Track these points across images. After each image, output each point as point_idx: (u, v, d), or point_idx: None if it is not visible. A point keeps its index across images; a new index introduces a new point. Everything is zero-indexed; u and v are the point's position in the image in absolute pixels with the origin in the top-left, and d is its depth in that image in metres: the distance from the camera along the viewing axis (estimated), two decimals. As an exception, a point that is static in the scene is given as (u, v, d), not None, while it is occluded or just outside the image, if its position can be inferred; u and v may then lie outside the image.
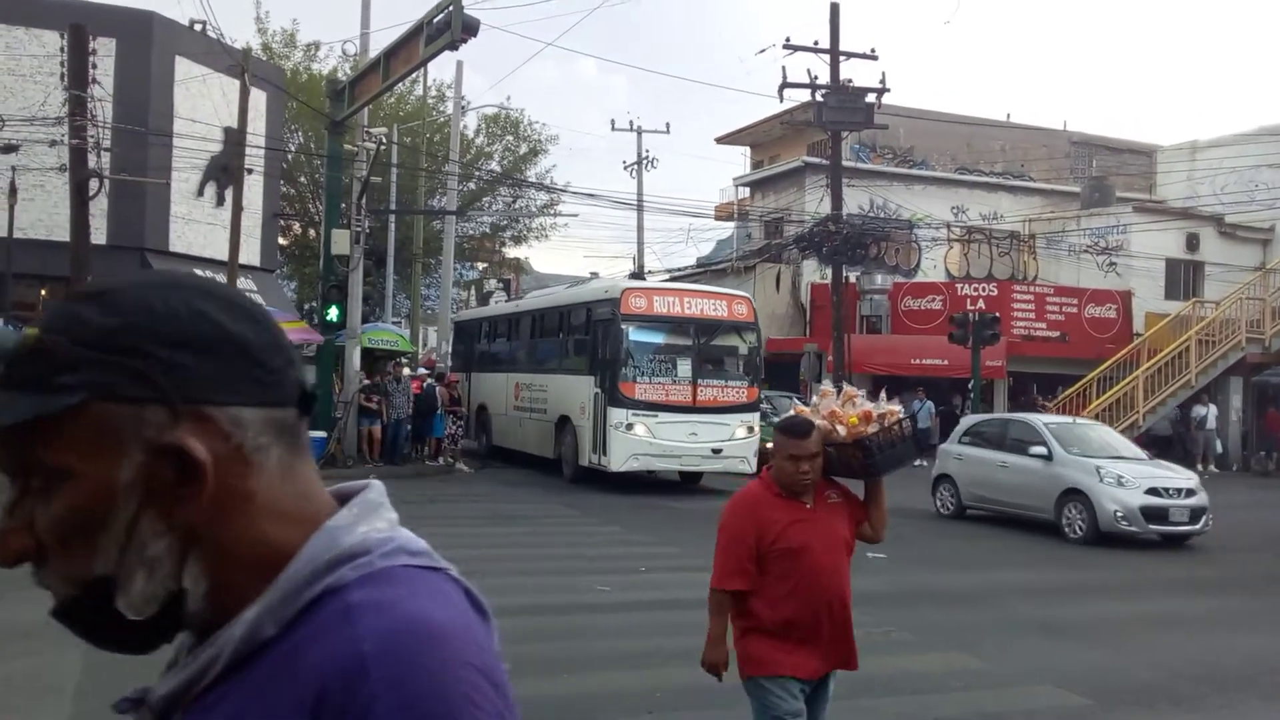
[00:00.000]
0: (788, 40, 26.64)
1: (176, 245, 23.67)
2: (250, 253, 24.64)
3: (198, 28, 21.94)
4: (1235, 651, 8.43)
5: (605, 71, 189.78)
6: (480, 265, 54.18)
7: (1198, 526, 14.02)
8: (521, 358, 22.69)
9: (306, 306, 38.31)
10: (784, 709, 3.86)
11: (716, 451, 17.90)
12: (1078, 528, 14.15)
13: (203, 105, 23.18)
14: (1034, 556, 13.28)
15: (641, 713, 6.26)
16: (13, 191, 21.13)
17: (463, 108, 36.23)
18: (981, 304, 28.28)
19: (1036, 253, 34.13)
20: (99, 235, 19.89)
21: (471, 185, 42.14)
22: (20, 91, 21.89)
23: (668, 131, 48.27)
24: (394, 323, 37.04)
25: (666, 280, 28.99)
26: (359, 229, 21.26)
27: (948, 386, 27.88)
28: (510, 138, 44.69)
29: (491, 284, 56.02)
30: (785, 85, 26.77)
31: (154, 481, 0.94)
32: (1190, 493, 14.19)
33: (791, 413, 4.46)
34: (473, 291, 56.92)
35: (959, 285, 31.01)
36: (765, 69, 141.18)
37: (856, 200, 31.71)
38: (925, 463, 16.87)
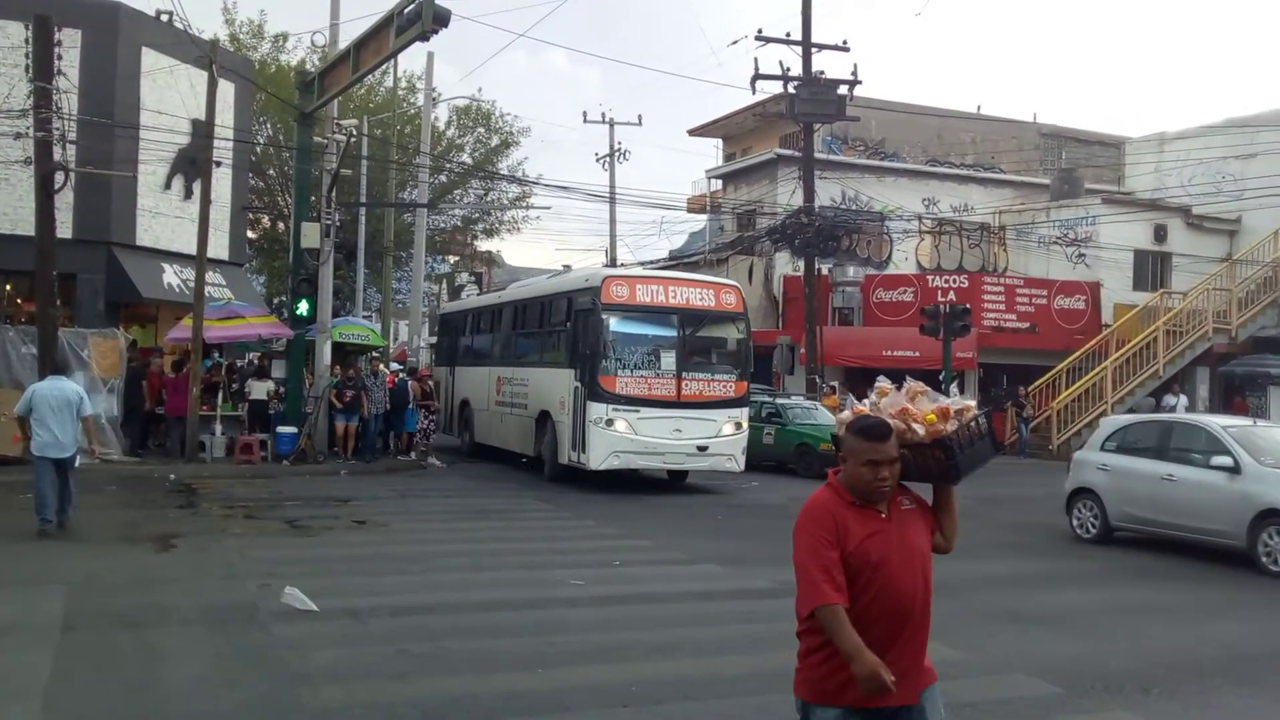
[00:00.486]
0: (760, 32, 26.65)
1: (143, 239, 23.40)
2: (219, 246, 24.39)
3: (164, 19, 21.67)
4: (1210, 640, 8.51)
5: (577, 63, 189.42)
6: (452, 258, 53.99)
7: None
8: (503, 351, 21.98)
9: (276, 301, 38.04)
10: None
11: (702, 449, 17.07)
12: None
13: (170, 97, 22.91)
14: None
15: (617, 706, 6.25)
16: (-24, 184, 20.82)
17: (434, 99, 36.02)
18: (952, 296, 28.44)
19: (1006, 244, 34.37)
20: (64, 229, 19.61)
21: (443, 178, 41.96)
22: (-16, 83, 21.55)
23: (640, 124, 48.18)
24: (365, 317, 36.85)
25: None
26: (329, 222, 21.07)
27: (919, 378, 27.96)
28: (482, 130, 44.52)
29: (463, 277, 55.82)
30: (757, 77, 26.81)
31: None
32: None
33: (847, 413, 3.91)
34: (444, 285, 56.71)
35: (930, 277, 31.16)
36: (737, 61, 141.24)
37: (828, 192, 31.81)
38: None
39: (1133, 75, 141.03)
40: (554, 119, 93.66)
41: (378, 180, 37.86)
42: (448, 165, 41.19)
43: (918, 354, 27.26)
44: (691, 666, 7.12)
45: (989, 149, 38.69)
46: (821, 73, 27.23)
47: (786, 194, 31.16)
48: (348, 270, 37.65)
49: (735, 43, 54.98)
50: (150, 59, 22.93)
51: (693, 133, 44.53)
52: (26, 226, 18.77)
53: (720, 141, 44.05)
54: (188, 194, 24.04)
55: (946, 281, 30.32)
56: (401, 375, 23.09)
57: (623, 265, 34.38)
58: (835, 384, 27.40)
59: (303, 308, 20.48)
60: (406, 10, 16.69)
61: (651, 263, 37.83)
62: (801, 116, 27.33)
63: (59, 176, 17.22)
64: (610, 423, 16.62)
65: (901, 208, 33.62)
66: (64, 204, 18.99)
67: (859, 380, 28.69)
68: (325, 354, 21.08)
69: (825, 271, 29.49)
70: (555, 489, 17.35)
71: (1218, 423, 13.12)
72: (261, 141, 37.48)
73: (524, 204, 43.60)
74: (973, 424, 3.87)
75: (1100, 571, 11.73)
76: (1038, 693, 6.89)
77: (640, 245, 64.84)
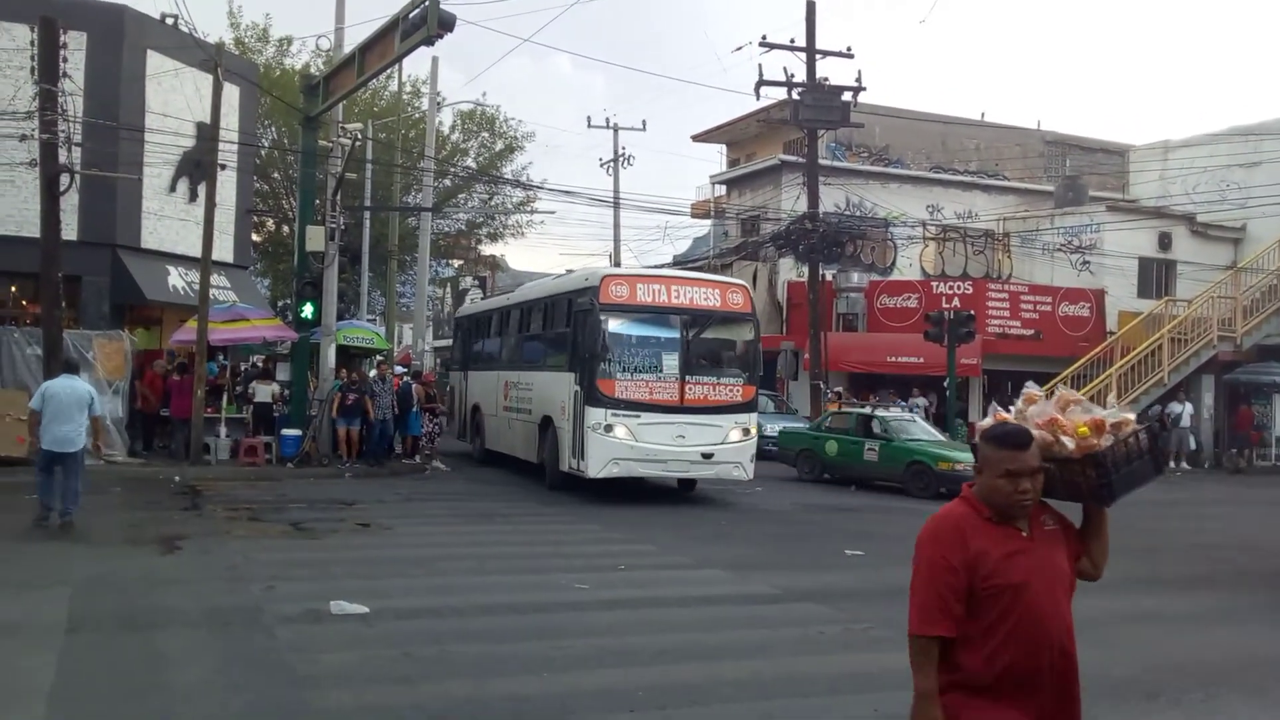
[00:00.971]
0: (764, 38, 26.64)
1: (148, 241, 23.44)
2: (223, 249, 24.43)
3: (170, 22, 21.70)
4: (1215, 646, 8.49)
5: (581, 68, 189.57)
6: (456, 262, 54.03)
7: None
8: (510, 354, 21.31)
9: (281, 304, 38.08)
10: None
11: (707, 456, 16.21)
12: None
13: (175, 100, 22.96)
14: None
15: (623, 710, 6.23)
16: (-18, 187, 20.87)
17: (438, 104, 36.07)
18: (956, 302, 28.41)
19: (1011, 251, 34.37)
20: (70, 231, 19.64)
21: (447, 182, 41.98)
22: (-11, 85, 21.59)
23: (644, 129, 48.29)
24: (369, 320, 36.86)
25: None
26: (334, 225, 21.09)
27: (923, 385, 27.96)
28: (486, 134, 44.57)
29: (467, 281, 55.88)
30: (762, 83, 26.81)
31: None
32: None
33: (988, 419, 3.56)
34: (448, 289, 56.76)
35: (934, 283, 31.14)
36: (742, 67, 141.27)
37: (832, 198, 31.81)
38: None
39: (1137, 83, 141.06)
40: (558, 124, 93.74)
41: (382, 184, 37.88)
42: (452, 169, 41.23)
43: (922, 360, 27.27)
44: (696, 671, 7.10)
45: (993, 156, 38.68)
46: (826, 79, 27.25)
47: (790, 200, 31.17)
48: (352, 274, 37.72)
49: (740, 49, 55.09)
50: (155, 62, 22.98)
51: (697, 138, 44.57)
52: (32, 228, 18.79)
53: (724, 147, 44.07)
54: (193, 197, 24.07)
55: (951, 288, 30.30)
56: (406, 379, 23.08)
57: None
58: (839, 390, 27.39)
59: (307, 311, 20.47)
60: (411, 15, 16.74)
61: (655, 268, 37.81)
62: (806, 123, 27.35)
63: (64, 179, 17.24)
64: (609, 428, 15.83)
65: (905, 214, 33.61)
66: (69, 206, 19.02)
67: (863, 386, 28.71)
68: (330, 357, 21.09)
69: (829, 277, 29.47)
70: (557, 496, 16.93)
71: None
72: (266, 145, 37.54)
73: (528, 208, 43.65)
74: (1131, 440, 3.49)
75: (1103, 578, 11.69)
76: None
77: (644, 250, 65.04)
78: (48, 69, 17.05)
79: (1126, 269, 31.58)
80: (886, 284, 31.66)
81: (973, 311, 25.95)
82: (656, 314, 16.43)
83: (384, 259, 39.22)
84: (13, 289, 22.90)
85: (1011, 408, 3.65)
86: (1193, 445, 28.25)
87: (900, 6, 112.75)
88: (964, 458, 17.88)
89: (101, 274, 22.22)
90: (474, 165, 43.68)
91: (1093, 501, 3.48)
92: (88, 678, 6.54)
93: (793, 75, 26.88)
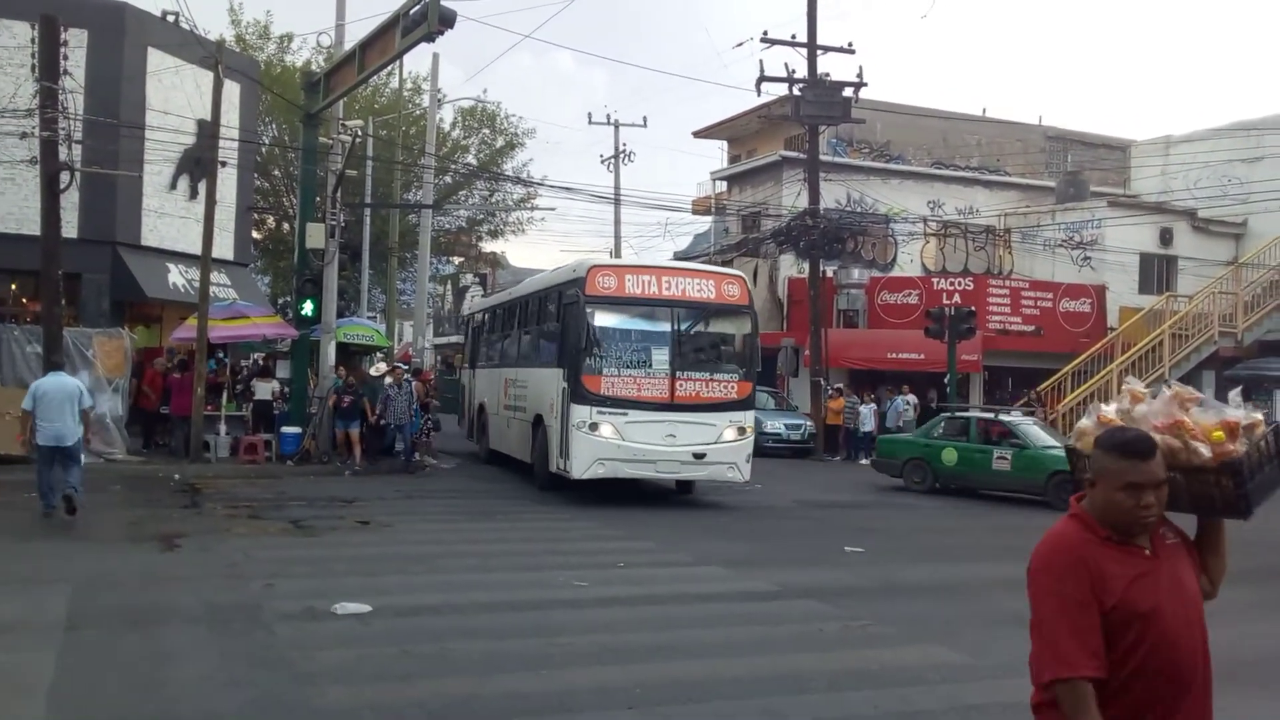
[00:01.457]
0: (765, 34, 26.66)
1: (149, 239, 23.44)
2: (224, 246, 24.43)
3: (170, 19, 21.72)
4: (1217, 644, 8.45)
5: (582, 65, 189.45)
6: (456, 259, 54.06)
7: None
8: (510, 351, 20.58)
9: (281, 301, 38.10)
10: None
11: (699, 456, 15.42)
12: None
13: (175, 97, 22.96)
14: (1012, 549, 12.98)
15: (621, 708, 6.23)
16: (-18, 184, 20.87)
17: (439, 100, 36.06)
18: (957, 298, 28.41)
19: (1012, 247, 34.33)
20: (70, 229, 19.65)
21: (448, 179, 41.99)
22: (-10, 83, 21.60)
23: (645, 125, 48.33)
24: (369, 317, 36.88)
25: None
26: (334, 223, 21.08)
27: (924, 381, 27.95)
28: (487, 131, 44.61)
29: (468, 278, 55.87)
30: (763, 79, 26.81)
31: None
32: None
33: (1088, 421, 3.26)
34: (449, 286, 56.76)
35: (935, 280, 31.14)
36: (743, 63, 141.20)
37: (833, 194, 31.81)
38: None
39: (1138, 78, 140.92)
40: (559, 120, 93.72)
41: (383, 181, 37.90)
42: (452, 166, 41.23)
43: (923, 356, 27.28)
44: (695, 668, 7.10)
45: (994, 152, 38.65)
46: (827, 75, 27.24)
47: (791, 196, 31.14)
48: (352, 271, 37.75)
49: (740, 45, 54.99)
50: (156, 59, 22.98)
51: (697, 135, 44.53)
52: (32, 226, 18.80)
53: (725, 143, 44.05)
54: (193, 194, 24.07)
55: (951, 284, 30.29)
56: (406, 377, 23.06)
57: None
58: (840, 386, 27.39)
59: (307, 308, 20.48)
60: (412, 11, 16.72)
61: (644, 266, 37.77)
62: (806, 119, 27.34)
63: (64, 176, 17.24)
64: (594, 427, 15.04)
65: (906, 210, 33.60)
66: (69, 204, 19.02)
67: (864, 382, 28.72)
68: (330, 354, 21.08)
69: (830, 274, 29.47)
70: (550, 496, 16.42)
71: None
72: (267, 142, 37.54)
73: (528, 205, 43.69)
74: (1263, 443, 3.15)
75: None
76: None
77: (645, 247, 64.92)
78: (48, 66, 17.04)
79: (1127, 264, 31.55)
80: (887, 280, 31.66)
81: (973, 308, 25.97)
82: (645, 306, 15.65)
83: (384, 256, 39.27)
84: (13, 286, 22.91)
85: (1112, 405, 3.34)
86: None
87: (901, 2, 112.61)
88: None
89: (102, 271, 22.22)
90: (474, 162, 43.69)
91: (1226, 514, 3.13)
92: (87, 675, 6.55)
93: (794, 71, 26.89)
